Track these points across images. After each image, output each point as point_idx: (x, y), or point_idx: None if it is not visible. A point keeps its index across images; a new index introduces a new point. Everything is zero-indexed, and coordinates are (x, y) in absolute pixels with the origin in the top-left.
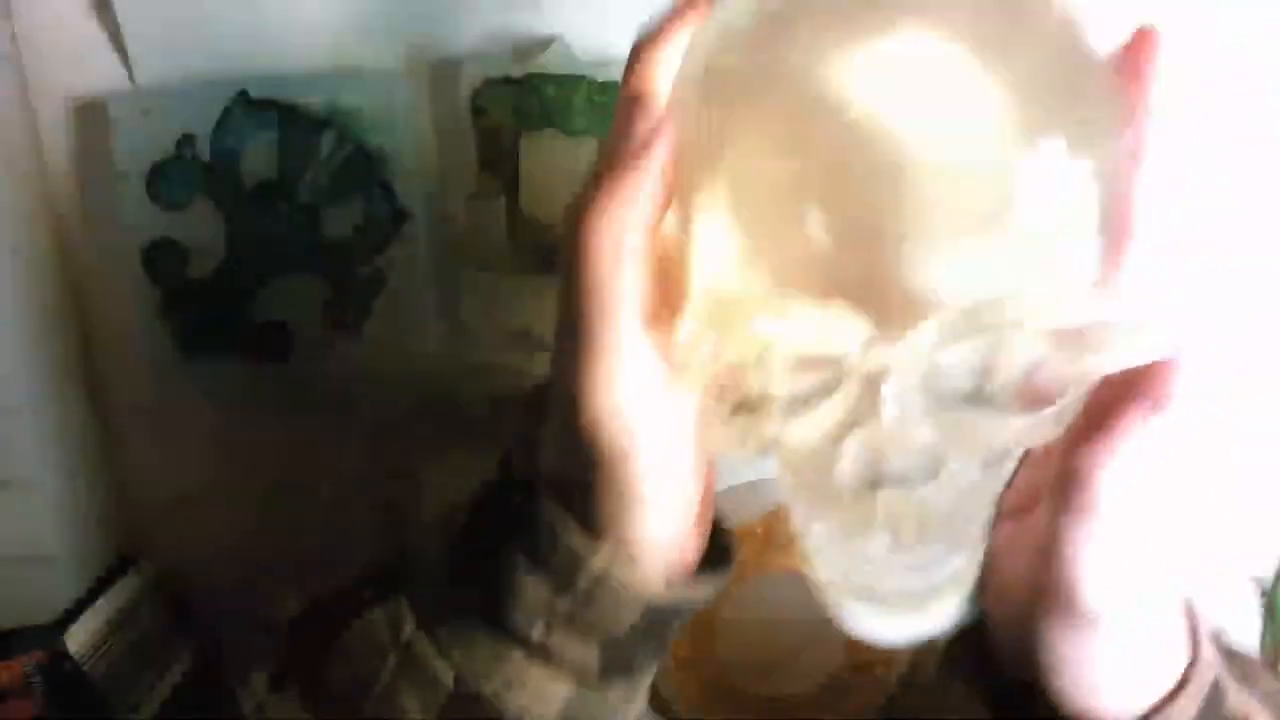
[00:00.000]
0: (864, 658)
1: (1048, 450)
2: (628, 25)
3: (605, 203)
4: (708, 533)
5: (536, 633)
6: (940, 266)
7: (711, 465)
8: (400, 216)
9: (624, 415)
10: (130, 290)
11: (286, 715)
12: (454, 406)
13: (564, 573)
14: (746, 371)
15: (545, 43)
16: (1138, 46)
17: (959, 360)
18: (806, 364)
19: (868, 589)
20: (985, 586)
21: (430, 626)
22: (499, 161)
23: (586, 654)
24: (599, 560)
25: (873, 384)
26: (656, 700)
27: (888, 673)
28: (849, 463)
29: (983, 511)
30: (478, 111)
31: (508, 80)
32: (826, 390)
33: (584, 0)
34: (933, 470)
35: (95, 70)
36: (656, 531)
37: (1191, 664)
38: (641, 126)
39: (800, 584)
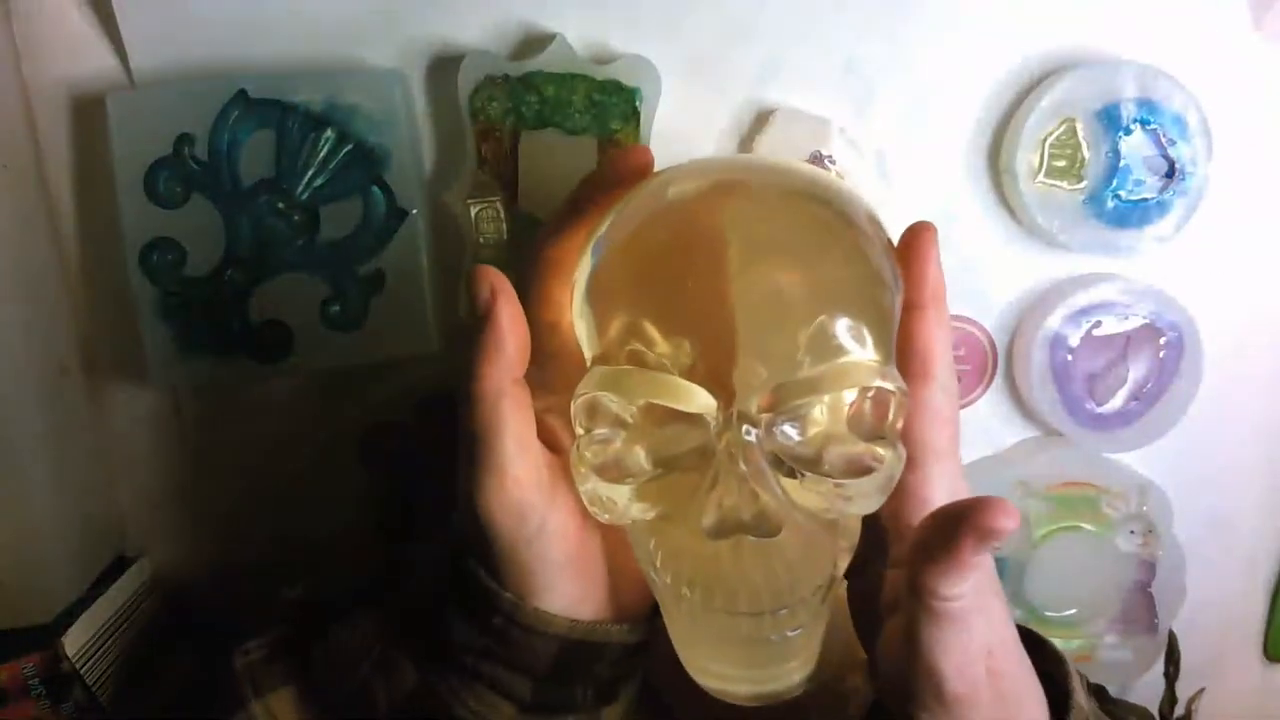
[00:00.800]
0: (863, 660)
1: (908, 560)
2: (627, 24)
3: (474, 364)
4: (636, 618)
5: (469, 661)
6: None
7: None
8: (399, 216)
9: (507, 511)
10: (128, 289)
11: (275, 683)
12: (454, 406)
13: (481, 614)
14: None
15: (544, 41)
16: (915, 237)
17: (789, 430)
18: (669, 433)
19: (720, 645)
20: (875, 676)
21: (405, 637)
22: (498, 161)
23: (519, 685)
24: (506, 604)
25: (729, 451)
26: (653, 699)
27: None
28: (710, 514)
29: (821, 573)
30: (477, 110)
31: (507, 79)
32: (692, 454)
33: None
34: (776, 525)
35: (93, 68)
36: (552, 587)
37: (1065, 710)
38: (484, 299)
39: None
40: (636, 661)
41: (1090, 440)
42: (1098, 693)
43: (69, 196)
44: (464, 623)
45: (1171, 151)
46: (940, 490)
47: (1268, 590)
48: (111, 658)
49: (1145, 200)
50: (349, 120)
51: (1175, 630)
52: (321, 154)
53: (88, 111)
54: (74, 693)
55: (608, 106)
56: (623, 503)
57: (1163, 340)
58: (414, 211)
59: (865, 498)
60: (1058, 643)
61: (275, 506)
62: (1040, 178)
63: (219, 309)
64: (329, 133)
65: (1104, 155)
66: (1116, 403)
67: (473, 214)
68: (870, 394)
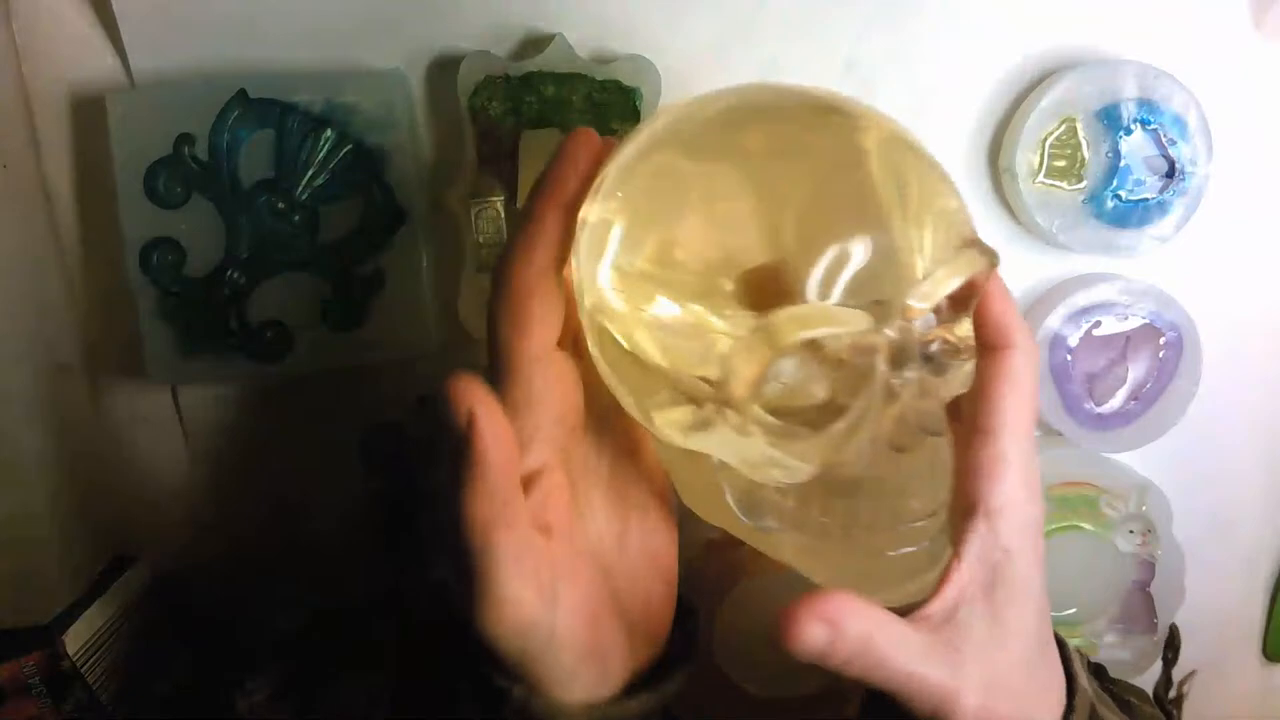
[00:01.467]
0: None
1: None
2: (627, 23)
3: (457, 498)
4: (654, 648)
5: None
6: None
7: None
8: (400, 216)
9: (510, 634)
10: (128, 289)
11: None
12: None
13: (492, 704)
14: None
15: (545, 40)
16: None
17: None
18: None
19: (869, 562)
20: None
21: (408, 709)
22: (498, 160)
23: None
24: (518, 694)
25: (890, 356)
26: (718, 675)
27: None
28: (887, 427)
29: (947, 476)
30: (477, 110)
31: (507, 78)
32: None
33: None
34: (942, 422)
35: (93, 68)
36: (569, 681)
37: (1071, 694)
38: (461, 422)
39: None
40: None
41: (1090, 440)
42: (1096, 671)
43: (69, 196)
44: (474, 713)
45: (1171, 151)
46: (1014, 471)
47: (1267, 590)
48: (112, 657)
49: (1145, 200)
50: (349, 120)
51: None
52: (321, 154)
53: (88, 111)
54: (74, 692)
55: (608, 106)
56: (798, 457)
57: (1162, 340)
58: (414, 211)
59: (962, 387)
60: None
61: (275, 506)
62: (1040, 178)
63: (219, 309)
64: (329, 133)
65: (1104, 155)
66: (1116, 403)
67: (473, 214)
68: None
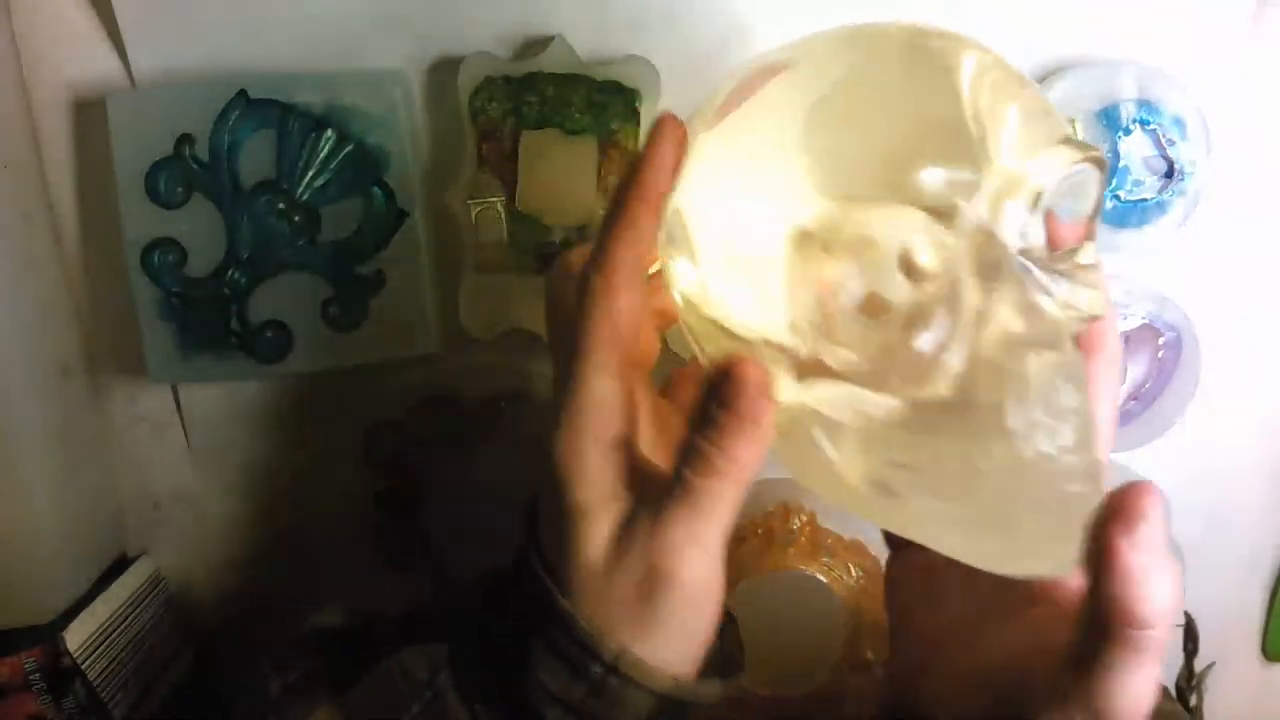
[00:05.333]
0: (863, 658)
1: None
2: (627, 24)
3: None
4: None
5: (553, 715)
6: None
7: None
8: (400, 216)
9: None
10: (129, 289)
11: (310, 709)
12: (454, 406)
13: (578, 662)
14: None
15: (545, 42)
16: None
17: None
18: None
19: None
20: (897, 679)
21: (462, 682)
22: (499, 161)
23: None
24: (608, 653)
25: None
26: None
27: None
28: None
29: (1083, 403)
30: (477, 110)
31: (507, 79)
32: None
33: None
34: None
35: (94, 69)
36: (665, 647)
37: None
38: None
39: (800, 584)
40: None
41: None
42: None
43: (70, 197)
44: (554, 670)
45: (1170, 152)
46: None
47: (1266, 590)
48: (113, 655)
49: (1145, 200)
50: (349, 121)
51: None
52: (322, 154)
53: (88, 112)
54: (75, 688)
55: (608, 107)
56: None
57: (1161, 340)
58: (414, 211)
59: (1090, 310)
60: None
61: (275, 506)
62: None
63: (219, 309)
64: (329, 133)
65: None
66: None
67: (473, 214)
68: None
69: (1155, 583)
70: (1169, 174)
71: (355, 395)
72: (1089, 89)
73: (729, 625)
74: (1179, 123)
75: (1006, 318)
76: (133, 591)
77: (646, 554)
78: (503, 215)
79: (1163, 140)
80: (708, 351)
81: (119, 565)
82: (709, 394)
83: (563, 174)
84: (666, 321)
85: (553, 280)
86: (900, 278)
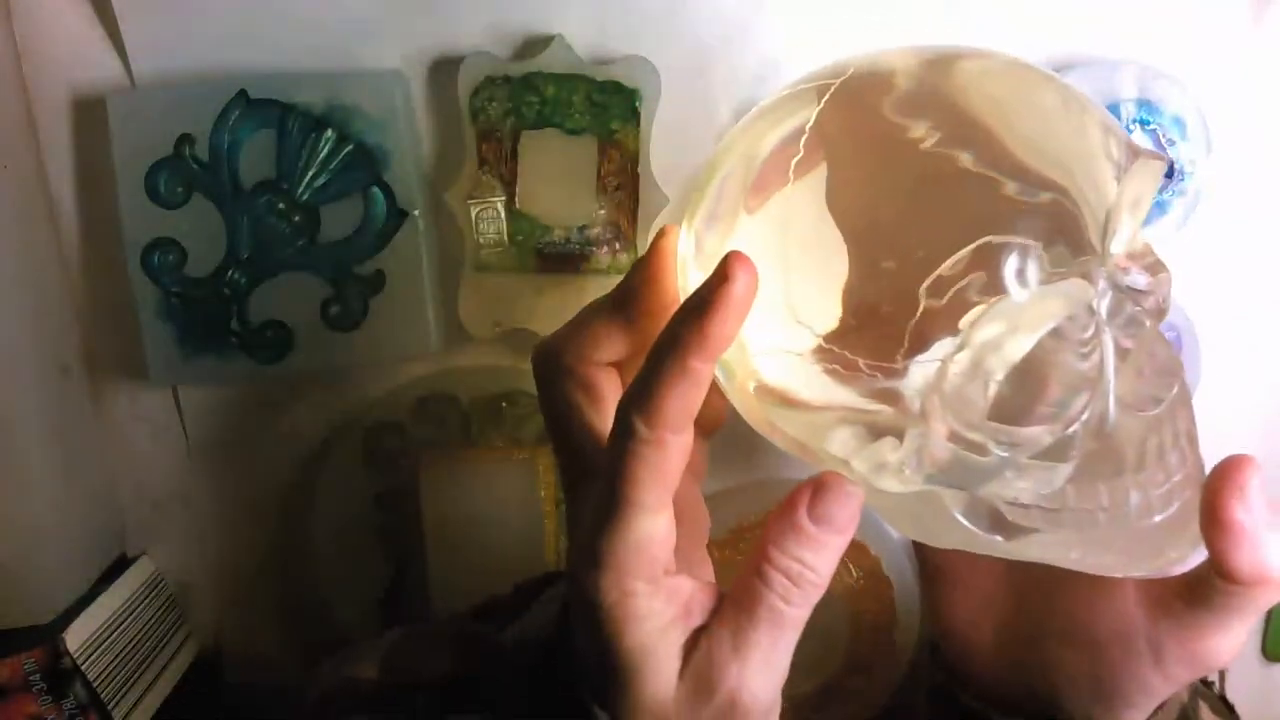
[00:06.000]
0: (863, 660)
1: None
2: (627, 24)
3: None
4: None
5: None
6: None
7: None
8: (399, 216)
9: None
10: (129, 289)
11: None
12: (454, 406)
13: None
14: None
15: (545, 42)
16: None
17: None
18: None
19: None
20: (948, 649)
21: None
22: (498, 161)
23: None
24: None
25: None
26: None
27: (887, 675)
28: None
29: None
30: (477, 111)
31: (507, 79)
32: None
33: None
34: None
35: (94, 69)
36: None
37: None
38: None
39: None
40: None
41: None
42: None
43: (70, 197)
44: None
45: (1171, 152)
46: None
47: None
48: (113, 655)
49: None
50: (349, 121)
51: None
52: (322, 154)
53: (88, 112)
54: (75, 688)
55: (608, 107)
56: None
57: None
58: (414, 211)
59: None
60: None
61: (275, 506)
62: None
63: (219, 309)
64: (329, 133)
65: None
66: None
67: (473, 214)
68: None
69: (1266, 541)
70: (1169, 174)
71: (355, 395)
72: (1089, 89)
73: None
74: (1179, 122)
75: (1140, 360)
76: (133, 591)
77: (724, 683)
78: (503, 215)
79: (1162, 140)
80: (789, 433)
81: (119, 565)
82: (793, 508)
83: (563, 174)
84: (711, 426)
85: (546, 378)
86: (1069, 358)
